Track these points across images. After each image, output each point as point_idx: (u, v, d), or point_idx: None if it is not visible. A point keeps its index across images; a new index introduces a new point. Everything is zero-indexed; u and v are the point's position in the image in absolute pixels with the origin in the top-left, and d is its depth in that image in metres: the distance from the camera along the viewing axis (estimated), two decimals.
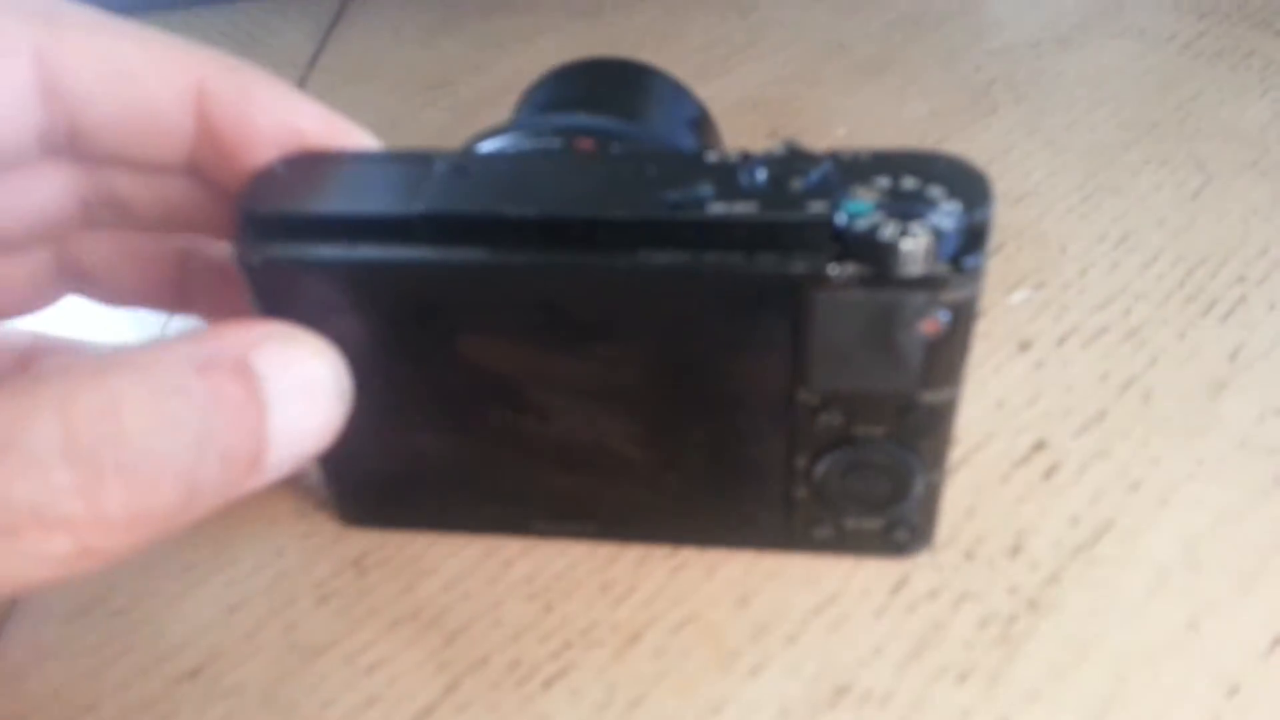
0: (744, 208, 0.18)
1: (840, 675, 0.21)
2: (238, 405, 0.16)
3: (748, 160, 0.19)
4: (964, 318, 0.18)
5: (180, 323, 0.31)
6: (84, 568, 0.15)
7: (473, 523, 0.25)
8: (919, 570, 0.23)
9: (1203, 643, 0.21)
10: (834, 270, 0.18)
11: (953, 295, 0.18)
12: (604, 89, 0.29)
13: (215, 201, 0.21)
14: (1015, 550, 0.23)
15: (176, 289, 0.24)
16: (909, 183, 0.18)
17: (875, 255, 0.17)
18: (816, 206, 0.18)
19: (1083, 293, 0.30)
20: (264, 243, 0.19)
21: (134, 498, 0.15)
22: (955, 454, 0.26)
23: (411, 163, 0.19)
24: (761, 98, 0.40)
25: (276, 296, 0.19)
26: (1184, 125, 0.36)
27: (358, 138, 0.21)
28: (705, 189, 0.18)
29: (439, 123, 0.41)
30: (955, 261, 0.17)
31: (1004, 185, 0.35)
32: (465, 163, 0.20)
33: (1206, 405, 0.26)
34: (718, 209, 0.18)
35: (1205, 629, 0.21)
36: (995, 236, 0.32)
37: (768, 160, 0.19)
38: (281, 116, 0.20)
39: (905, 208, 0.17)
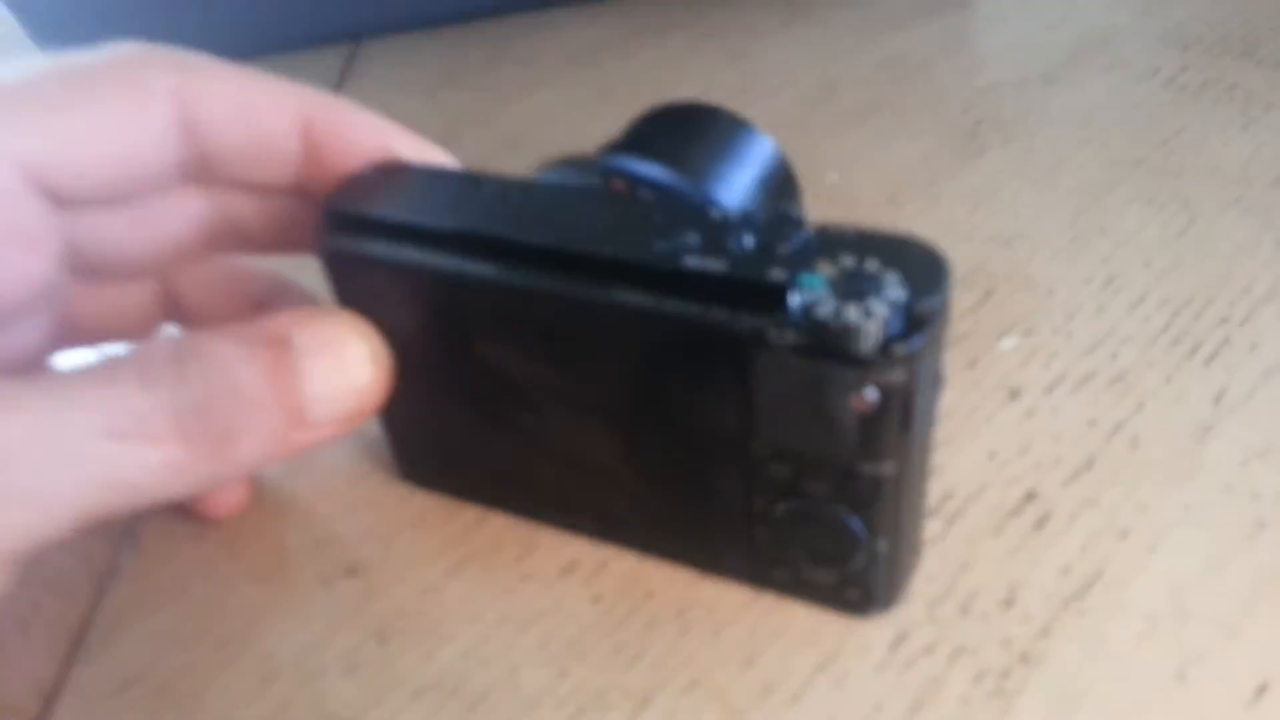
0: (714, 264, 0.19)
1: None
2: (268, 369, 0.21)
3: (745, 222, 0.20)
4: (896, 398, 0.19)
5: None
6: (164, 486, 0.20)
7: (496, 498, 0.27)
8: (916, 625, 0.24)
9: (1190, 693, 0.22)
10: (773, 335, 0.19)
11: (880, 376, 0.19)
12: (675, 136, 0.30)
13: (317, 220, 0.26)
14: (1008, 603, 0.24)
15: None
16: (871, 264, 0.19)
17: (813, 328, 0.18)
18: (776, 274, 0.19)
19: (1070, 337, 0.31)
20: (335, 236, 0.23)
21: (199, 426, 0.20)
22: (950, 507, 0.27)
23: (467, 183, 0.23)
24: None
25: (343, 281, 0.24)
26: (1169, 161, 0.37)
27: (437, 156, 0.25)
28: (691, 241, 0.20)
29: None
30: (888, 345, 0.18)
31: (993, 228, 0.35)
32: (509, 189, 0.23)
33: (1192, 449, 0.27)
34: (691, 261, 0.20)
35: (1192, 678, 0.22)
36: (985, 281, 0.33)
37: (759, 224, 0.20)
38: (375, 139, 0.24)
39: (855, 287, 0.18)
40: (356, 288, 0.23)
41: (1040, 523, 0.26)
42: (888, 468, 0.20)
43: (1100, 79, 0.42)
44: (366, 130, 0.24)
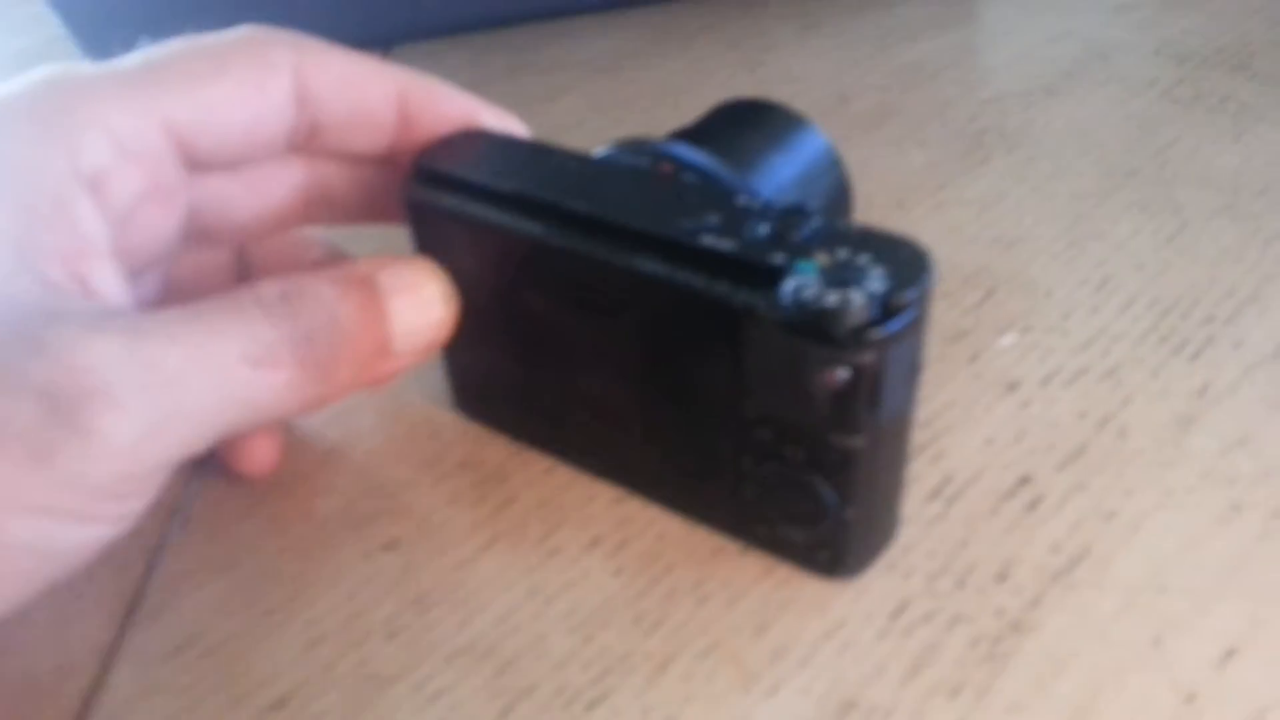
0: (725, 244, 0.22)
1: (848, 693, 0.24)
2: (359, 305, 0.24)
3: (763, 210, 0.22)
4: (866, 378, 0.21)
5: None
6: (289, 407, 0.23)
7: (533, 436, 0.30)
8: (916, 597, 0.26)
9: (1164, 657, 0.24)
10: (762, 310, 0.21)
11: (852, 357, 0.21)
12: (731, 128, 0.33)
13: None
14: (1002, 577, 0.26)
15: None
16: (861, 258, 0.21)
17: (798, 308, 0.21)
18: (776, 258, 0.21)
19: (1066, 335, 0.33)
20: (419, 188, 0.26)
21: (309, 353, 0.23)
22: (950, 488, 0.28)
23: (537, 153, 0.26)
24: None
25: (422, 227, 0.27)
26: (1163, 171, 0.39)
27: (515, 125, 0.28)
28: (711, 221, 0.23)
29: None
30: (862, 330, 0.20)
31: (996, 232, 0.37)
32: (569, 161, 0.26)
33: (1175, 439, 0.29)
34: (706, 239, 0.22)
35: (1167, 644, 0.24)
36: (987, 281, 0.35)
37: (776, 213, 0.22)
38: (462, 110, 0.27)
39: (842, 276, 0.21)
40: (432, 234, 0.27)
41: (1033, 505, 0.28)
42: (857, 441, 0.23)
43: (1099, 91, 0.44)
44: (455, 103, 0.27)
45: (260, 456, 0.31)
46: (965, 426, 0.30)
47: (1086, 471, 0.28)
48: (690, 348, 0.24)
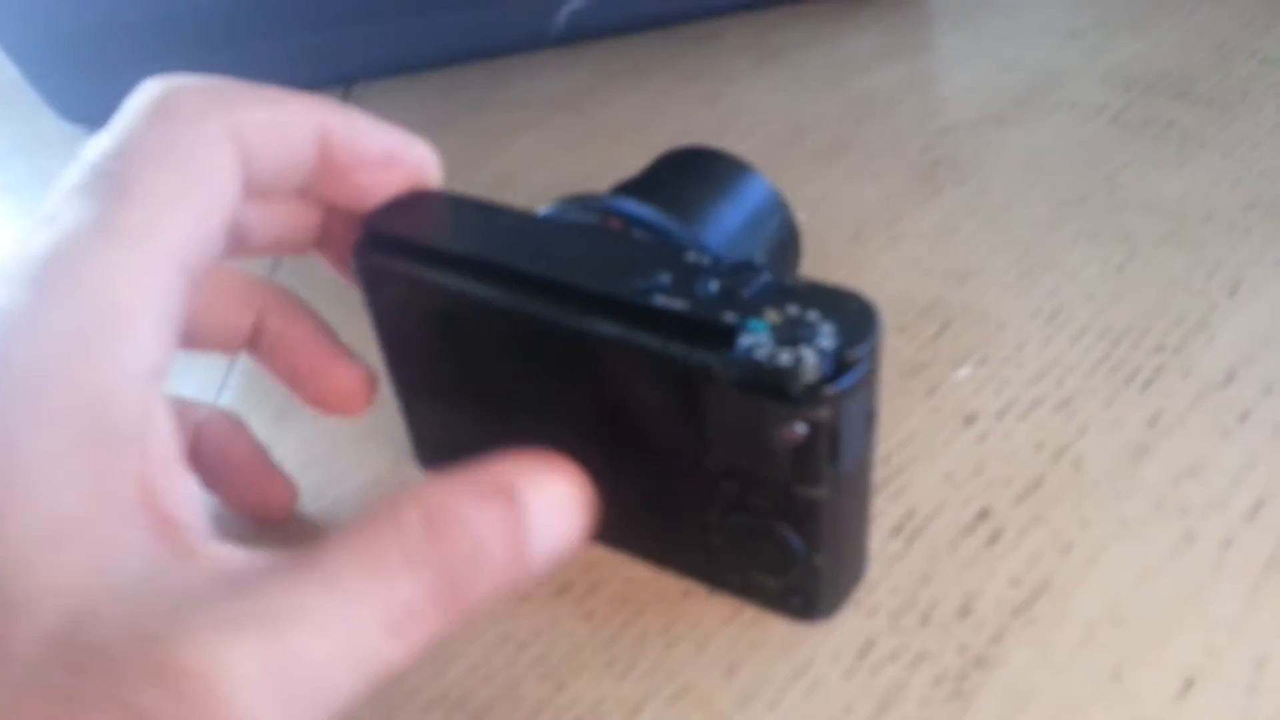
0: (678, 303, 0.22)
1: None
2: (500, 520, 0.21)
3: (713, 267, 0.23)
4: (823, 433, 0.22)
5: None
6: (417, 655, 0.21)
7: None
8: (881, 634, 0.26)
9: (1124, 690, 0.25)
10: (718, 370, 0.22)
11: (808, 413, 0.21)
12: (676, 179, 0.33)
13: (317, 220, 0.28)
14: (964, 612, 0.27)
15: (249, 337, 0.29)
16: (811, 314, 0.22)
17: (752, 367, 0.21)
18: (728, 317, 0.22)
19: (1020, 367, 0.33)
20: (371, 252, 0.26)
21: (452, 591, 0.21)
22: (912, 524, 0.29)
23: (487, 214, 0.26)
24: None
25: (375, 292, 0.27)
26: (1111, 198, 0.40)
27: (429, 160, 0.27)
28: (663, 281, 0.23)
29: None
30: (816, 386, 0.21)
31: (949, 263, 0.38)
32: (520, 223, 0.26)
33: (1130, 469, 0.30)
34: (659, 300, 0.23)
35: (1126, 678, 0.25)
36: (942, 314, 0.36)
37: (726, 269, 0.23)
38: (379, 143, 0.26)
39: (793, 334, 0.21)
40: (385, 298, 0.27)
41: (993, 538, 0.28)
42: (820, 492, 0.23)
43: (1049, 119, 0.45)
44: (375, 138, 0.26)
45: (279, 502, 0.32)
46: (925, 460, 0.31)
47: (1044, 504, 0.29)
48: (649, 406, 0.24)
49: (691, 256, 0.24)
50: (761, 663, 0.26)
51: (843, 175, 0.44)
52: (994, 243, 0.39)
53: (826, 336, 0.21)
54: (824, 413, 0.21)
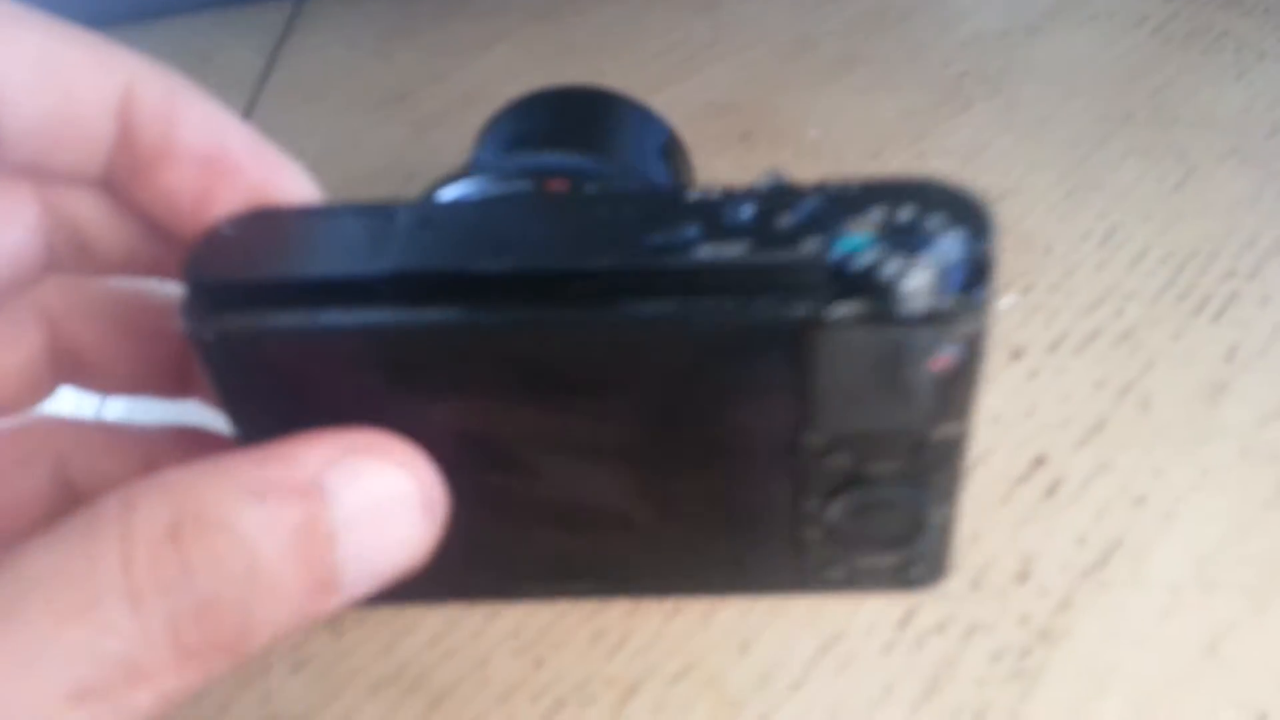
0: (733, 250, 0.17)
1: None
2: (297, 533, 0.15)
3: (732, 197, 0.17)
4: (975, 351, 0.17)
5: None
6: (157, 715, 0.14)
7: (462, 590, 0.22)
8: (925, 602, 0.22)
9: (1224, 667, 0.20)
10: (834, 312, 0.16)
11: (962, 330, 0.17)
12: (569, 121, 0.28)
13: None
14: (1023, 576, 0.22)
15: (178, 375, 0.22)
16: (905, 213, 0.17)
17: (876, 293, 0.16)
18: (810, 245, 0.16)
19: (1071, 295, 0.29)
20: (216, 314, 0.17)
21: (204, 636, 0.15)
22: None
23: (372, 217, 0.18)
24: (730, 101, 0.39)
25: (233, 372, 0.18)
26: (1161, 113, 0.36)
27: (289, 172, 0.19)
28: (690, 231, 0.17)
29: (400, 137, 0.40)
30: (963, 294, 0.16)
31: (983, 184, 0.34)
32: (430, 214, 0.18)
33: (1207, 411, 0.25)
34: (705, 252, 0.17)
35: (1225, 652, 0.21)
36: None
37: (753, 197, 0.17)
38: (207, 133, 0.18)
39: (904, 240, 0.16)
40: (250, 377, 0.18)
41: (1051, 489, 0.24)
42: (958, 429, 0.18)
43: (1084, 30, 0.41)
44: (201, 118, 0.18)
45: None
46: None
47: (1109, 449, 0.25)
48: (723, 391, 0.18)
49: (694, 195, 0.18)
50: (780, 637, 0.22)
51: (856, 90, 0.39)
52: (1032, 160, 0.34)
53: (946, 235, 0.16)
54: (976, 326, 0.17)
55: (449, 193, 0.24)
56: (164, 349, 0.22)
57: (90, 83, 0.18)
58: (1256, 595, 0.21)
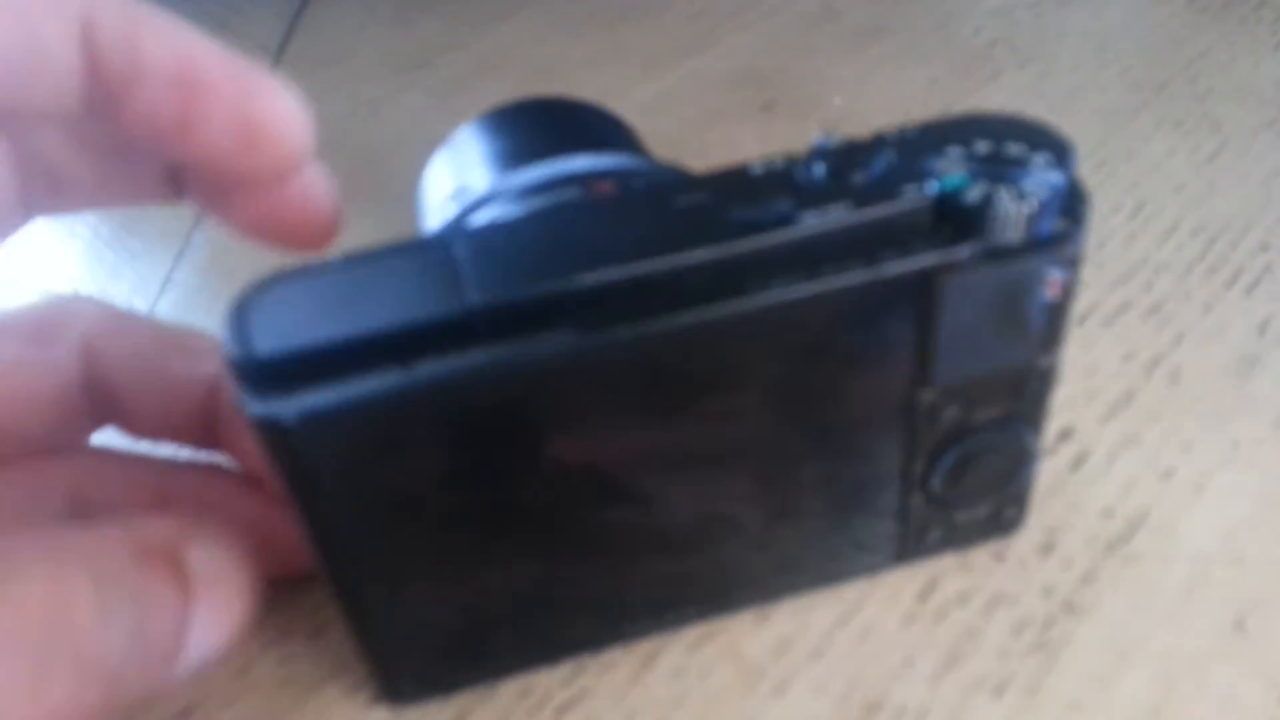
0: (837, 212, 0.16)
1: (871, 691, 0.20)
2: (167, 598, 0.16)
3: (797, 162, 0.17)
4: (1078, 273, 0.18)
5: None
6: None
7: (552, 651, 0.21)
8: (946, 573, 0.22)
9: (1249, 642, 0.20)
10: (961, 253, 0.16)
11: (1071, 251, 0.17)
12: (555, 129, 0.27)
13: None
14: (1047, 548, 0.22)
15: (203, 426, 0.21)
16: (983, 146, 0.17)
17: (995, 227, 0.16)
18: (911, 192, 0.16)
19: (1101, 267, 0.28)
20: (293, 390, 0.15)
21: (74, 691, 0.15)
22: None
23: (421, 254, 0.17)
24: (753, 69, 0.39)
25: (310, 457, 0.16)
26: (1195, 84, 0.35)
27: (268, 86, 0.18)
28: (781, 203, 0.16)
29: (420, 105, 0.40)
30: (1067, 216, 0.16)
31: None
32: (486, 238, 0.17)
33: (1238, 384, 0.25)
34: (811, 220, 0.16)
35: (1252, 628, 0.20)
36: None
37: (821, 155, 0.17)
38: (174, 52, 0.18)
39: (999, 172, 0.16)
40: (335, 459, 0.16)
41: (1078, 462, 0.24)
42: (1057, 355, 0.19)
43: (1117, 1, 0.40)
44: (165, 37, 0.18)
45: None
46: None
47: (1137, 422, 0.24)
48: (841, 362, 0.18)
49: (756, 169, 0.17)
50: (800, 605, 0.22)
51: (883, 58, 0.38)
52: (1064, 130, 0.33)
53: (1038, 163, 0.17)
54: (1080, 246, 0.17)
55: (480, 218, 0.23)
56: (191, 398, 0.21)
57: (48, 17, 0.17)
58: None
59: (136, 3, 0.18)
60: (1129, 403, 0.25)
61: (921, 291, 0.17)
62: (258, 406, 0.15)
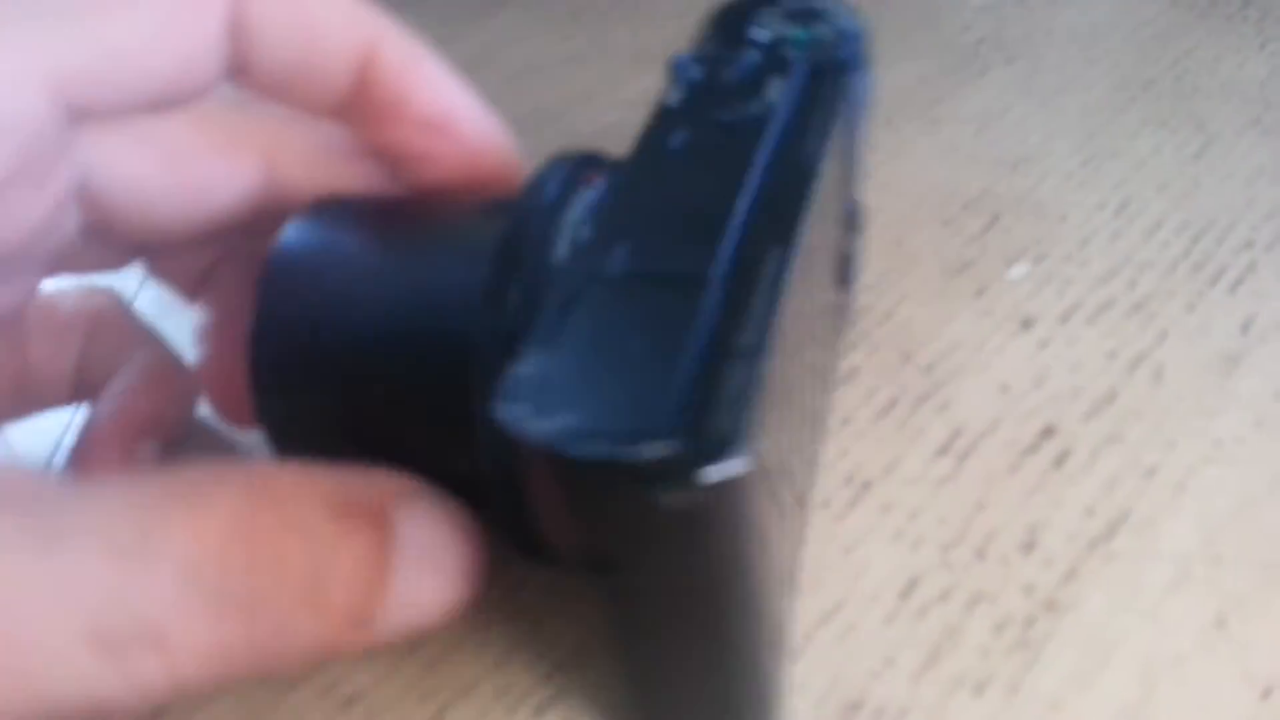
0: (793, 81, 0.20)
1: (851, 691, 0.20)
2: (361, 559, 0.15)
3: (687, 80, 0.20)
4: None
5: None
6: (154, 698, 0.14)
7: None
8: (929, 571, 0.22)
9: (1232, 642, 0.20)
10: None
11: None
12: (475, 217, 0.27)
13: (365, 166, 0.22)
14: (1028, 546, 0.22)
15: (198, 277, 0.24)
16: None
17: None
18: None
19: (1085, 265, 0.28)
20: (701, 463, 0.13)
21: (241, 632, 0.14)
22: (961, 442, 0.24)
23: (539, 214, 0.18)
24: None
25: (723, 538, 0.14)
26: (1181, 82, 0.35)
27: (501, 142, 0.21)
28: (750, 103, 0.19)
29: None
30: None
31: (999, 151, 0.33)
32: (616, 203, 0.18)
33: (1220, 383, 0.25)
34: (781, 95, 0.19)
35: (1233, 626, 0.20)
36: (991, 206, 0.31)
37: (698, 62, 0.21)
38: (438, 101, 0.20)
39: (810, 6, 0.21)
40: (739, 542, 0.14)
41: (1060, 460, 0.24)
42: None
43: None
44: (433, 91, 0.20)
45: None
46: (975, 370, 0.26)
47: (1120, 420, 0.24)
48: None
49: (671, 100, 0.20)
50: None
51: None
52: (1050, 128, 0.33)
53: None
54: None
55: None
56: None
57: (338, 36, 0.19)
58: (1267, 569, 0.21)
59: (419, 45, 0.20)
60: (1112, 401, 0.25)
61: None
62: (665, 499, 0.13)
